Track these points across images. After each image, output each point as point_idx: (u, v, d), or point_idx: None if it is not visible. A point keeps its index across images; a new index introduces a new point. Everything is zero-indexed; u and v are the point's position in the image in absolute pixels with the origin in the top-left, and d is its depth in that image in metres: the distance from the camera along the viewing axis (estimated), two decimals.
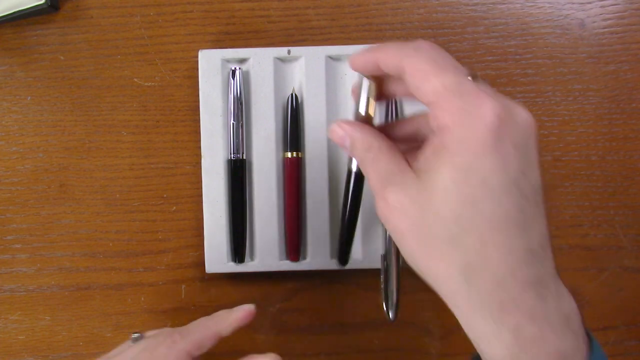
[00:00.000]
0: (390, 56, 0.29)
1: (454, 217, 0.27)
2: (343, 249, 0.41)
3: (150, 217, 0.44)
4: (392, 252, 0.41)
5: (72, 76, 0.44)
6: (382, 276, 0.41)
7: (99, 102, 0.44)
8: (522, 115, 0.27)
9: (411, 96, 0.28)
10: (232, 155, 0.41)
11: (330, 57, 0.42)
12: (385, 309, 0.41)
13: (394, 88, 0.31)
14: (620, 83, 0.44)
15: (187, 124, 0.43)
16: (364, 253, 0.42)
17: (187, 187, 0.43)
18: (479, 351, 0.28)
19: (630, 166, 0.44)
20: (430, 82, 0.27)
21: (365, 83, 0.30)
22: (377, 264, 0.41)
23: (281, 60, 0.42)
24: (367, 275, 0.43)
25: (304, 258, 0.42)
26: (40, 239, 0.44)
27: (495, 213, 0.26)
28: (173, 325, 0.41)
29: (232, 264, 0.42)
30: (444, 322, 0.44)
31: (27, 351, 0.44)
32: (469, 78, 0.27)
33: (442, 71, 0.27)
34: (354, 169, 0.33)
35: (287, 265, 0.42)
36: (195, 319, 0.36)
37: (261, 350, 0.44)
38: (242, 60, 0.42)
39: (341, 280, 0.44)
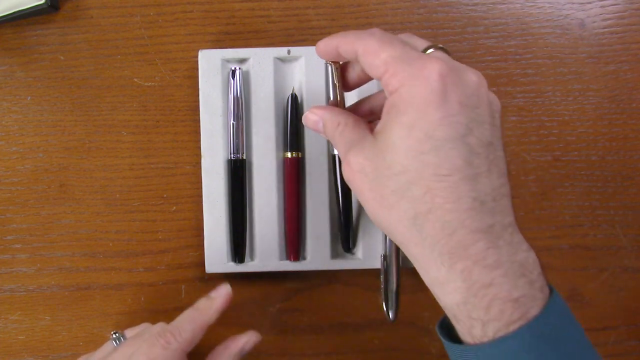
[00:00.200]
0: (346, 42, 0.31)
1: (402, 169, 0.29)
2: (345, 233, 0.41)
3: (150, 217, 0.44)
4: (392, 252, 0.41)
5: (72, 76, 0.44)
6: (382, 276, 0.41)
7: (99, 102, 0.44)
8: (470, 77, 0.29)
9: (369, 78, 0.32)
10: (232, 155, 0.41)
11: None
12: (385, 309, 0.41)
13: (357, 73, 0.34)
14: (620, 83, 0.44)
15: (187, 124, 0.43)
16: (364, 253, 0.42)
17: (187, 187, 0.43)
18: (435, 297, 0.30)
19: (630, 166, 0.44)
20: (379, 56, 0.29)
21: (329, 68, 0.34)
22: (377, 264, 0.41)
23: (281, 60, 0.42)
24: (367, 275, 0.43)
25: (304, 258, 0.42)
26: (40, 239, 0.44)
27: (441, 165, 0.28)
28: None
29: (232, 264, 0.42)
30: None
31: (27, 351, 0.44)
32: (430, 50, 0.30)
33: (389, 46, 0.30)
34: (336, 152, 0.37)
35: (287, 265, 0.42)
36: None
37: (261, 350, 0.44)
38: (242, 60, 0.42)
39: (341, 280, 0.44)
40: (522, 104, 0.44)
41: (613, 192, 0.44)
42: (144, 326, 0.39)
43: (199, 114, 0.41)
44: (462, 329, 0.29)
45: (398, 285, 0.41)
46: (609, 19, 0.44)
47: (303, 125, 0.42)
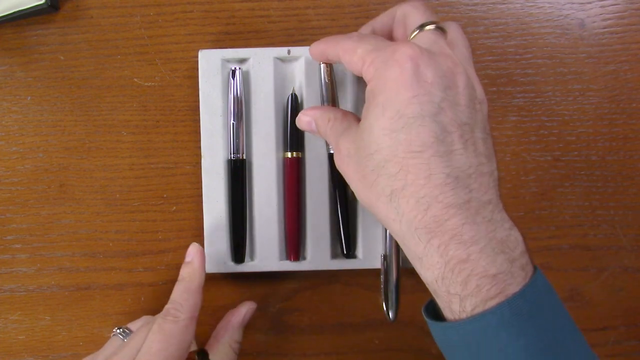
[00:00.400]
0: (328, 47, 0.34)
1: (377, 148, 0.30)
2: (345, 234, 0.42)
3: (150, 217, 0.44)
4: (392, 252, 0.41)
5: (72, 76, 0.44)
6: (382, 276, 0.41)
7: (99, 102, 0.44)
8: (445, 61, 0.30)
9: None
10: (232, 155, 0.41)
11: None
12: (385, 309, 0.41)
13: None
14: (620, 83, 0.44)
15: (187, 124, 0.43)
16: (364, 253, 0.42)
17: (187, 187, 0.43)
18: (417, 272, 0.31)
19: (630, 166, 0.44)
20: (356, 52, 0.32)
21: (321, 67, 0.40)
22: (377, 264, 0.41)
23: (281, 60, 0.42)
24: (367, 275, 0.43)
25: (304, 258, 0.42)
26: (40, 239, 0.44)
27: (412, 142, 0.29)
28: None
29: (232, 264, 0.42)
30: None
31: (27, 351, 0.44)
32: (421, 30, 0.32)
33: (364, 42, 0.32)
34: (332, 151, 0.37)
35: (287, 265, 0.42)
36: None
37: (261, 350, 0.44)
38: (242, 60, 0.42)
39: (341, 280, 0.44)
40: (522, 104, 0.44)
41: (613, 192, 0.44)
42: (145, 319, 0.39)
43: (199, 114, 0.41)
44: (443, 305, 0.30)
45: (398, 286, 0.41)
46: (609, 19, 0.44)
47: None
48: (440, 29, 0.33)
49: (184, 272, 0.38)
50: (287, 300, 0.44)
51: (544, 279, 0.29)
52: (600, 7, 0.44)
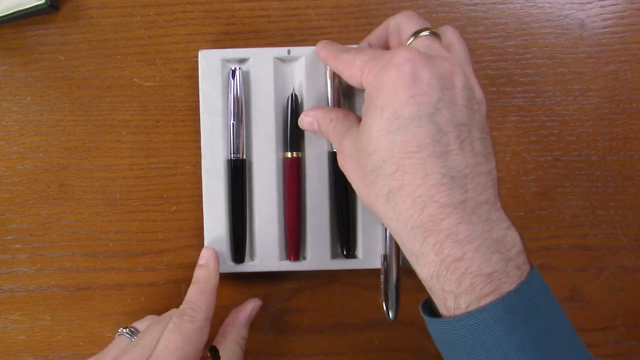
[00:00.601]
0: (329, 58, 0.36)
1: (375, 149, 0.31)
2: (344, 239, 0.42)
3: (150, 217, 0.44)
4: (392, 252, 0.41)
5: (72, 76, 0.44)
6: (382, 276, 0.41)
7: (99, 102, 0.44)
8: (443, 63, 0.31)
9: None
10: (232, 155, 0.41)
11: None
12: (385, 309, 0.41)
13: None
14: (620, 83, 0.44)
15: (187, 124, 0.43)
16: (364, 253, 0.42)
17: (187, 187, 0.43)
18: (414, 268, 0.31)
19: (630, 166, 0.44)
20: (355, 64, 0.33)
21: (328, 72, 0.40)
22: (377, 264, 0.41)
23: (281, 60, 0.42)
24: (367, 275, 0.43)
25: (304, 258, 0.42)
26: (40, 239, 0.44)
27: (409, 142, 0.29)
28: None
29: (232, 264, 0.42)
30: None
31: (27, 351, 0.44)
32: (416, 36, 0.33)
33: (361, 54, 0.33)
34: (334, 149, 0.39)
35: (287, 265, 0.42)
36: None
37: (261, 350, 0.44)
38: (242, 60, 0.42)
39: (341, 280, 0.44)
40: (522, 104, 0.44)
41: (613, 192, 0.44)
42: (150, 319, 0.39)
43: (199, 114, 0.41)
44: (438, 302, 0.30)
45: (398, 286, 0.41)
46: (609, 19, 0.44)
47: None
48: (435, 34, 0.33)
49: (199, 274, 0.39)
50: (287, 300, 0.44)
51: (539, 277, 0.30)
52: (600, 7, 0.44)
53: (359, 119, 0.34)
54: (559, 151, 0.44)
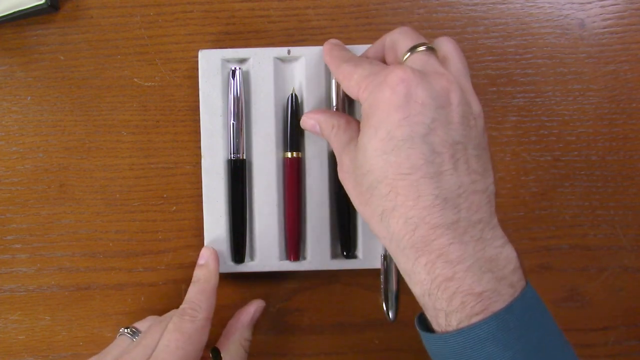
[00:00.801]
0: (332, 66, 0.36)
1: (369, 169, 0.31)
2: (344, 240, 0.42)
3: (150, 217, 0.44)
4: None
5: (72, 76, 0.44)
6: (382, 276, 0.41)
7: (99, 102, 0.44)
8: (439, 80, 0.31)
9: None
10: (232, 155, 0.41)
11: None
12: (385, 309, 0.41)
13: None
14: (620, 83, 0.44)
15: (187, 124, 0.43)
16: (364, 253, 0.42)
17: (187, 187, 0.43)
18: (407, 284, 0.31)
19: (630, 166, 0.44)
20: (353, 78, 0.33)
21: (333, 80, 0.41)
22: (377, 264, 0.41)
23: (281, 60, 0.42)
24: (367, 275, 0.43)
25: (304, 258, 0.42)
26: (40, 239, 0.44)
27: (402, 164, 0.30)
28: None
29: (232, 264, 0.42)
30: None
31: (27, 351, 0.44)
32: (412, 52, 0.32)
33: (359, 67, 0.33)
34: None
35: (287, 265, 0.42)
36: None
37: (261, 350, 0.44)
38: (242, 60, 0.42)
39: (341, 280, 0.44)
40: (522, 104, 0.44)
41: (613, 192, 0.44)
42: (151, 319, 0.39)
43: (199, 114, 0.41)
44: (431, 318, 0.31)
45: (398, 285, 0.41)
46: (609, 19, 0.44)
47: None
48: (431, 49, 0.33)
49: (199, 273, 0.39)
50: (287, 300, 0.44)
51: (533, 293, 0.30)
52: (600, 7, 0.44)
53: (359, 129, 0.34)
54: (559, 151, 0.44)
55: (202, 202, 0.42)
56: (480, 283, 0.28)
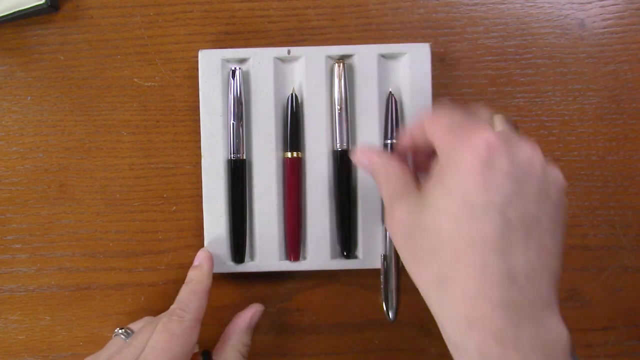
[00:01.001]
0: (422, 124, 0.33)
1: (436, 231, 0.29)
2: (344, 241, 0.41)
3: (150, 217, 0.44)
4: (392, 252, 0.41)
5: (72, 76, 0.44)
6: (382, 276, 0.41)
7: (99, 102, 0.44)
8: (524, 149, 0.29)
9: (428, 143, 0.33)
10: (232, 155, 0.41)
11: (330, 57, 0.42)
12: (385, 309, 0.41)
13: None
14: (620, 83, 0.44)
15: (187, 124, 0.43)
16: (364, 253, 0.42)
17: (187, 187, 0.43)
18: (447, 347, 0.30)
19: (630, 166, 0.44)
20: (439, 122, 0.31)
21: (335, 67, 0.40)
22: (377, 264, 0.41)
23: (281, 60, 0.42)
24: (367, 275, 0.43)
25: (304, 258, 0.42)
26: (40, 239, 0.44)
27: (473, 232, 0.28)
28: None
29: (232, 264, 0.42)
30: None
31: (27, 351, 0.44)
32: (499, 128, 0.31)
33: (449, 114, 0.31)
34: (338, 148, 0.40)
35: (287, 265, 0.42)
36: None
37: (261, 350, 0.44)
38: (242, 60, 0.42)
39: (341, 280, 0.44)
40: (522, 104, 0.44)
41: (613, 192, 0.44)
42: (147, 319, 0.40)
43: (199, 114, 0.41)
44: None
45: (398, 285, 0.41)
46: (609, 19, 0.44)
47: (303, 125, 0.42)
48: (509, 122, 0.32)
49: (192, 274, 0.38)
50: (287, 300, 0.44)
51: None
52: (600, 7, 0.44)
53: (416, 180, 0.32)
54: (559, 151, 0.44)
55: (202, 202, 0.42)
56: None
